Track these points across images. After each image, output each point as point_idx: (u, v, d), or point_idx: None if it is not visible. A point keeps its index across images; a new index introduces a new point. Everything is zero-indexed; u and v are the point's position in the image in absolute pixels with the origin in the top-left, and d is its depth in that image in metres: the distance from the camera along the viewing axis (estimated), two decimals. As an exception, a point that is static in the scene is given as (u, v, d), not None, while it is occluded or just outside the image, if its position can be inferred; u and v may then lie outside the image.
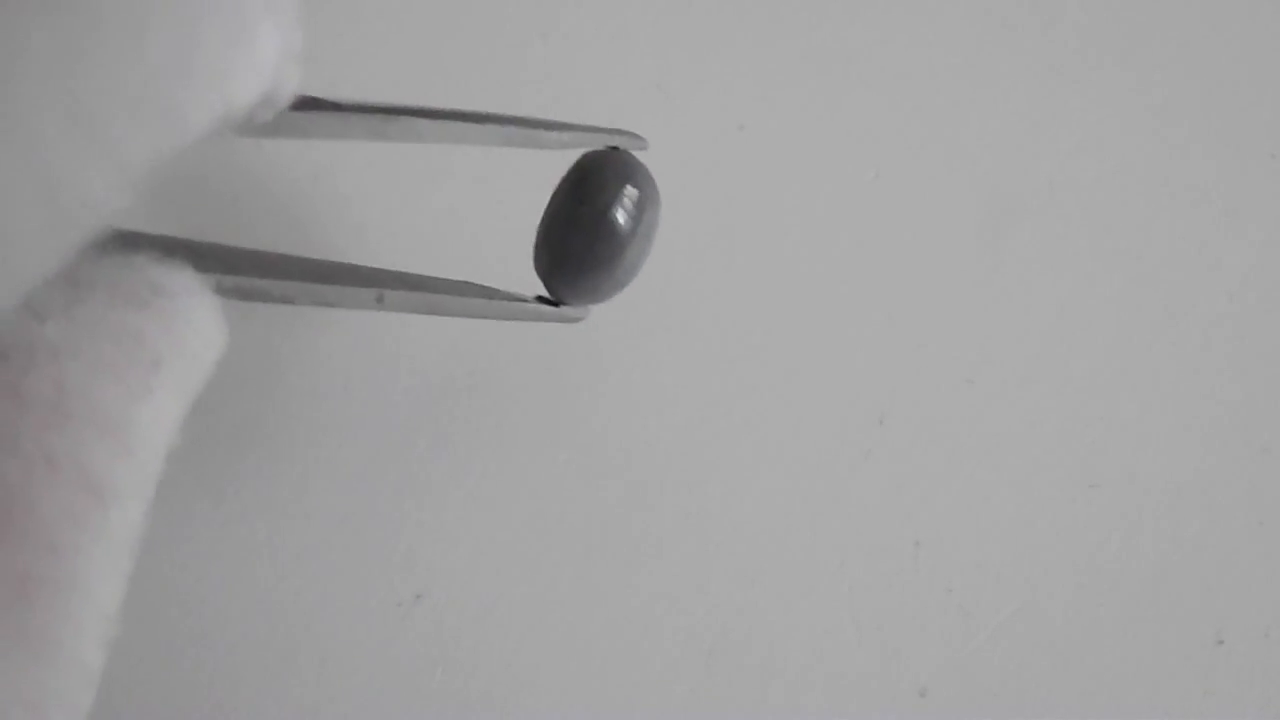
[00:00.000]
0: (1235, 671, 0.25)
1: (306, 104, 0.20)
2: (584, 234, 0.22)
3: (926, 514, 0.26)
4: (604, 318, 0.24)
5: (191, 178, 0.26)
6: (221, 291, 0.17)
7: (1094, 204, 0.28)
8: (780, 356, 0.27)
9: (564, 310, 0.23)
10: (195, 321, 0.16)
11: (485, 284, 0.23)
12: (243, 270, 0.19)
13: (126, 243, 0.16)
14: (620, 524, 0.26)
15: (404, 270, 0.23)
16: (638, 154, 0.23)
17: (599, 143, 0.23)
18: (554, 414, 0.26)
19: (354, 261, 0.23)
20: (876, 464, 0.26)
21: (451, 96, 0.28)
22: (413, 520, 0.25)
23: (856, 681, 0.25)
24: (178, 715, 0.24)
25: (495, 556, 0.25)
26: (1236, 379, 0.27)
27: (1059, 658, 0.25)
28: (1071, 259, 0.28)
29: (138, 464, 0.15)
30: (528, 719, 0.25)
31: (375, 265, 0.23)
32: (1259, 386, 0.27)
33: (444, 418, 0.26)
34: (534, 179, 0.23)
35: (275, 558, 0.25)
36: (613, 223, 0.22)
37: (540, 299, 0.23)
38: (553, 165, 0.23)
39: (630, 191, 0.23)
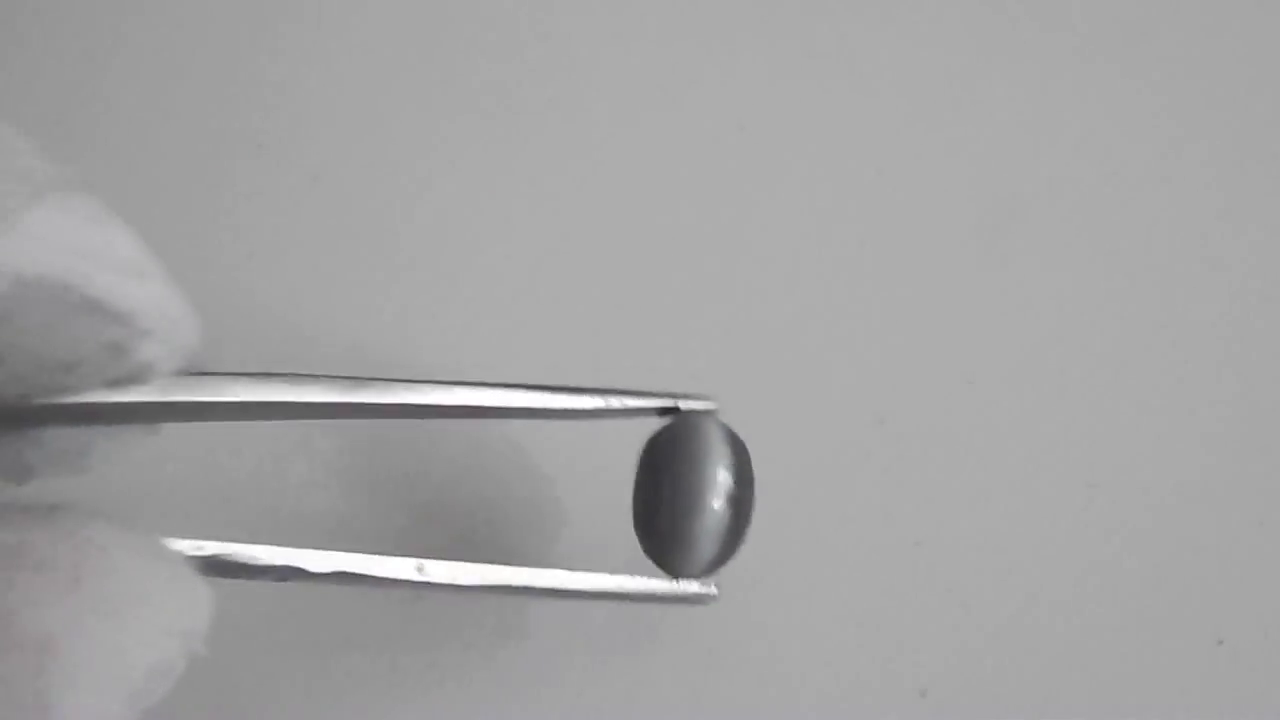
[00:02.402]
0: (1235, 672, 0.25)
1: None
2: (670, 512, 0.21)
3: (926, 514, 0.26)
4: (599, 309, 0.24)
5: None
6: (206, 567, 0.17)
7: (1094, 204, 0.28)
8: (780, 356, 0.27)
9: (686, 587, 0.22)
10: (124, 560, 0.16)
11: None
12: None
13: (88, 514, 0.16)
14: (620, 524, 0.25)
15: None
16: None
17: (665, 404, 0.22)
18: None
19: None
20: (876, 464, 0.26)
21: (452, 95, 0.28)
22: (413, 520, 0.25)
23: (856, 681, 0.25)
24: (178, 715, 0.24)
25: (495, 557, 0.25)
26: (1236, 379, 0.27)
27: (1059, 658, 0.25)
28: (1071, 259, 0.28)
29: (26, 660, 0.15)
30: (528, 719, 0.25)
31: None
32: (1259, 386, 0.27)
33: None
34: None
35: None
36: (702, 502, 0.21)
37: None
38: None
39: (716, 466, 0.21)
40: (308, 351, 0.26)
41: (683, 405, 0.22)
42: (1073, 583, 0.26)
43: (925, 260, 0.28)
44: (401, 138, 0.28)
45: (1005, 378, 0.27)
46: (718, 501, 0.21)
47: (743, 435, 0.23)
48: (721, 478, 0.21)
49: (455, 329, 0.26)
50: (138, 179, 0.27)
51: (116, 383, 0.16)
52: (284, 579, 0.18)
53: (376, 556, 0.19)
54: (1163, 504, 0.26)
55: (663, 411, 0.22)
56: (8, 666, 0.14)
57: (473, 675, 0.24)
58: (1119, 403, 0.27)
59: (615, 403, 0.21)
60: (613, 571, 0.22)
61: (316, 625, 0.24)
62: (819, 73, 0.29)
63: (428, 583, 0.20)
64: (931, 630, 0.25)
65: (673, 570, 0.22)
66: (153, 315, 0.16)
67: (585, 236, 0.27)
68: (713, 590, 0.22)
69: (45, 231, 0.15)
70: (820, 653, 0.25)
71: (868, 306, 0.27)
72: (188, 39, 0.28)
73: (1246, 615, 0.26)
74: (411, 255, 0.27)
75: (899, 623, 0.25)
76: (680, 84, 0.28)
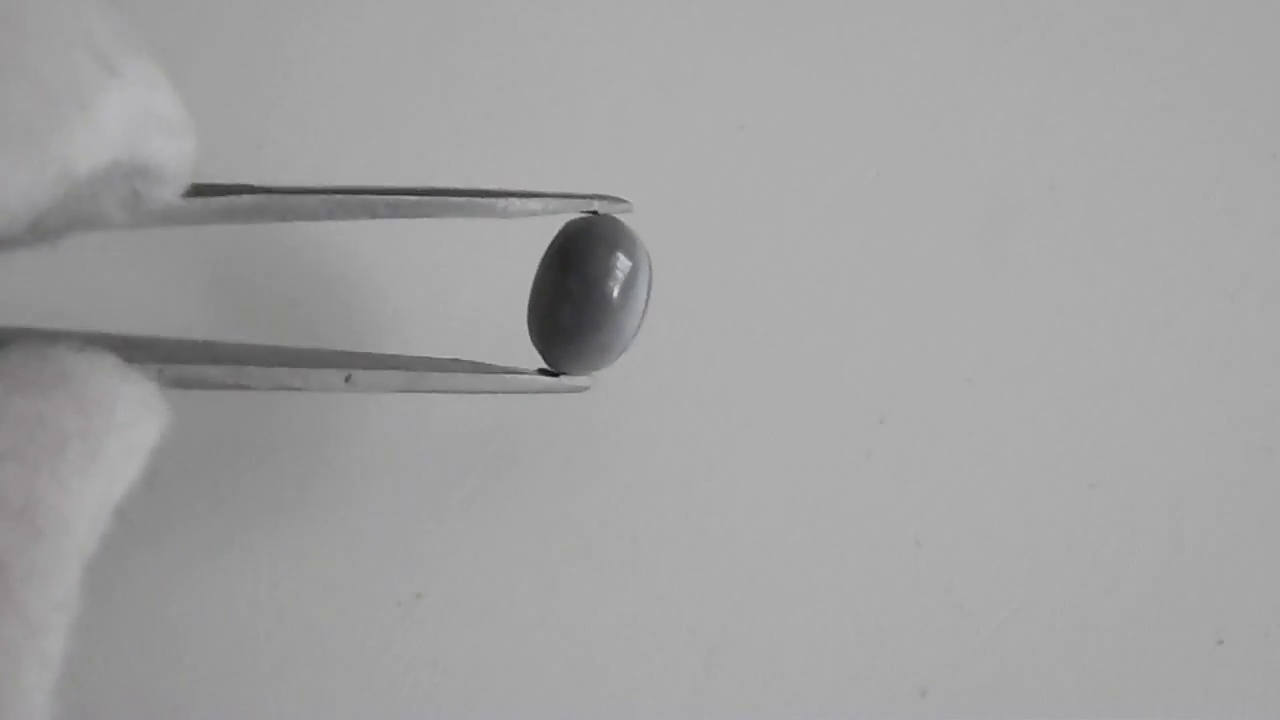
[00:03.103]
0: (1235, 672, 0.25)
1: (238, 189, 0.20)
2: (573, 304, 0.22)
3: (926, 514, 0.26)
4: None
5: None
6: (166, 381, 0.17)
7: (1094, 204, 0.28)
8: (780, 356, 0.27)
9: (565, 380, 0.23)
10: (112, 403, 0.16)
11: (479, 360, 0.22)
12: (191, 360, 0.19)
13: (46, 339, 0.16)
14: (620, 523, 0.26)
15: (382, 352, 0.22)
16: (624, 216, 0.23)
17: (579, 208, 0.23)
18: (553, 415, 0.26)
19: (330, 347, 0.23)
20: (876, 464, 0.26)
21: (452, 95, 0.28)
22: (413, 520, 0.25)
23: (856, 681, 0.25)
24: (178, 715, 0.24)
25: (495, 556, 0.25)
26: (1236, 379, 0.27)
27: (1059, 658, 0.25)
28: (1071, 259, 0.28)
29: (50, 545, 0.15)
30: (527, 719, 0.25)
31: (353, 349, 0.23)
32: (1259, 386, 0.27)
33: (444, 420, 0.26)
34: (524, 248, 0.23)
35: (275, 557, 0.25)
36: (602, 291, 0.22)
37: (542, 370, 0.23)
38: (542, 232, 0.23)
39: (616, 258, 0.22)
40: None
41: (600, 208, 0.23)
42: (1073, 583, 0.26)
43: (925, 260, 0.28)
44: (401, 137, 0.28)
45: (1005, 377, 0.27)
46: (616, 291, 0.22)
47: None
48: (621, 269, 0.22)
49: (455, 330, 0.26)
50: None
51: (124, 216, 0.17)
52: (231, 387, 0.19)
53: (310, 370, 0.20)
54: (1163, 504, 0.26)
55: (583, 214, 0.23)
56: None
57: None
58: (1119, 402, 0.27)
59: (537, 205, 0.22)
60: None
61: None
62: (819, 73, 0.29)
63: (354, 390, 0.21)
64: (931, 630, 0.25)
65: (560, 364, 0.23)
66: (178, 170, 0.16)
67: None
68: (590, 384, 0.23)
69: (116, 114, 0.15)
70: (820, 653, 0.25)
71: (867, 306, 0.27)
72: (188, 39, 0.28)
73: (1247, 615, 0.26)
74: (411, 255, 0.27)
75: (899, 623, 0.25)
76: (680, 84, 0.28)
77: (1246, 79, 0.29)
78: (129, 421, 0.16)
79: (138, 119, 0.15)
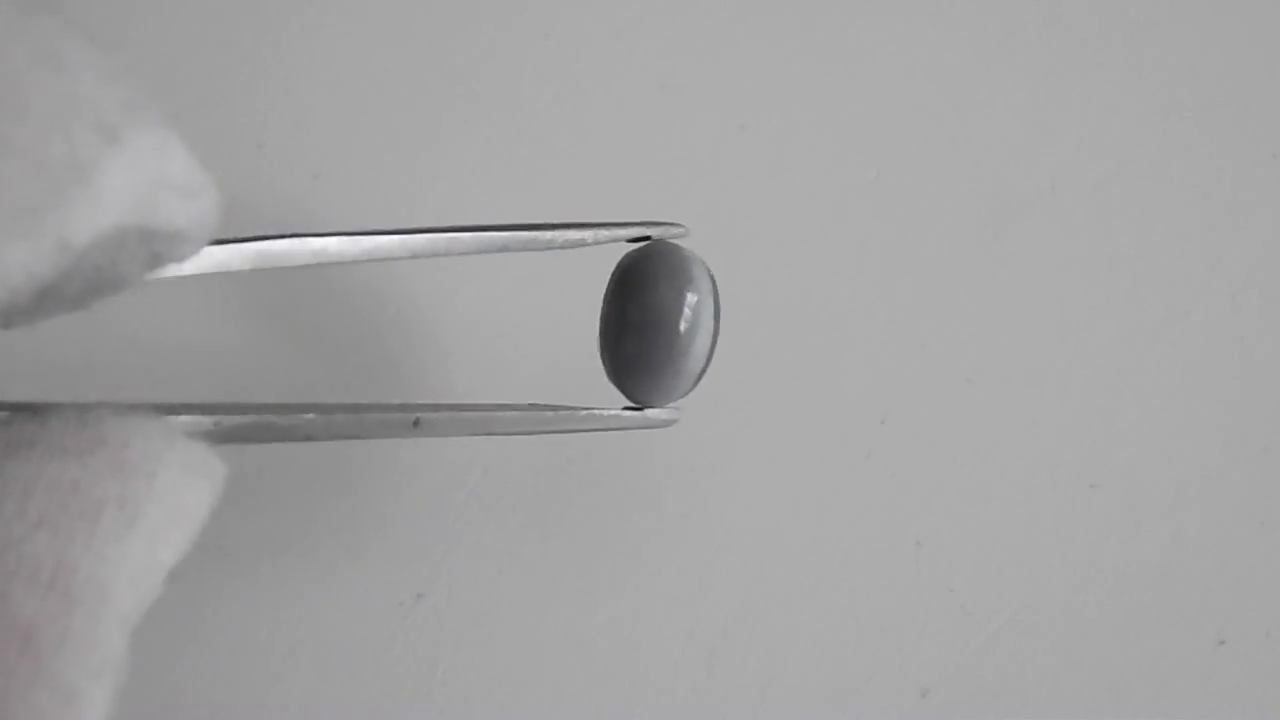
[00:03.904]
0: (1236, 672, 0.25)
1: (267, 237, 0.19)
2: (639, 337, 0.21)
3: (927, 514, 0.26)
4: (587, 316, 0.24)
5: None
6: (222, 435, 0.17)
7: (1094, 204, 0.28)
8: (780, 356, 0.27)
9: (651, 414, 0.22)
10: (153, 467, 0.16)
11: (551, 398, 0.22)
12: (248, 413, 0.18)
13: (89, 406, 0.16)
14: (620, 524, 0.25)
15: (451, 402, 0.22)
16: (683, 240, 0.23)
17: (631, 236, 0.22)
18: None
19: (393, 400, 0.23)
20: (877, 464, 0.26)
21: (453, 95, 0.28)
22: (413, 520, 0.25)
23: (856, 681, 0.25)
24: (178, 715, 0.24)
25: (495, 556, 0.25)
26: (1237, 379, 0.27)
27: (1059, 658, 0.25)
28: (1072, 259, 0.28)
29: (85, 613, 0.14)
30: (527, 719, 0.24)
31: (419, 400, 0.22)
32: (1259, 386, 0.27)
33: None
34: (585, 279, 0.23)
35: (276, 558, 0.25)
36: (668, 321, 0.21)
37: (627, 407, 0.22)
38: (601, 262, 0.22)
39: (678, 287, 0.21)
40: (309, 351, 0.26)
41: (655, 234, 0.22)
42: (1073, 583, 0.26)
43: (925, 260, 0.28)
44: (402, 137, 0.28)
45: (1005, 377, 0.27)
46: (685, 324, 0.21)
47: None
48: (690, 300, 0.21)
49: (456, 329, 0.26)
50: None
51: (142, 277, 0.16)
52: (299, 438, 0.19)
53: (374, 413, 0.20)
54: (1164, 504, 0.26)
55: (634, 241, 0.22)
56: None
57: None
58: (1120, 402, 0.27)
59: (589, 236, 0.22)
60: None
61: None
62: (819, 73, 0.29)
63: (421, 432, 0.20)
64: (931, 630, 0.25)
65: (639, 396, 0.22)
66: (198, 230, 0.16)
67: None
68: (676, 416, 0.23)
69: (120, 181, 0.15)
70: (820, 653, 0.25)
71: (867, 306, 0.27)
72: (188, 39, 0.28)
73: (1247, 615, 0.26)
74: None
75: (899, 623, 0.25)
76: (680, 84, 0.28)
77: (1246, 79, 0.29)
78: (173, 485, 0.16)
79: (145, 185, 0.15)
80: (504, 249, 0.21)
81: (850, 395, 0.26)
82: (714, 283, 0.22)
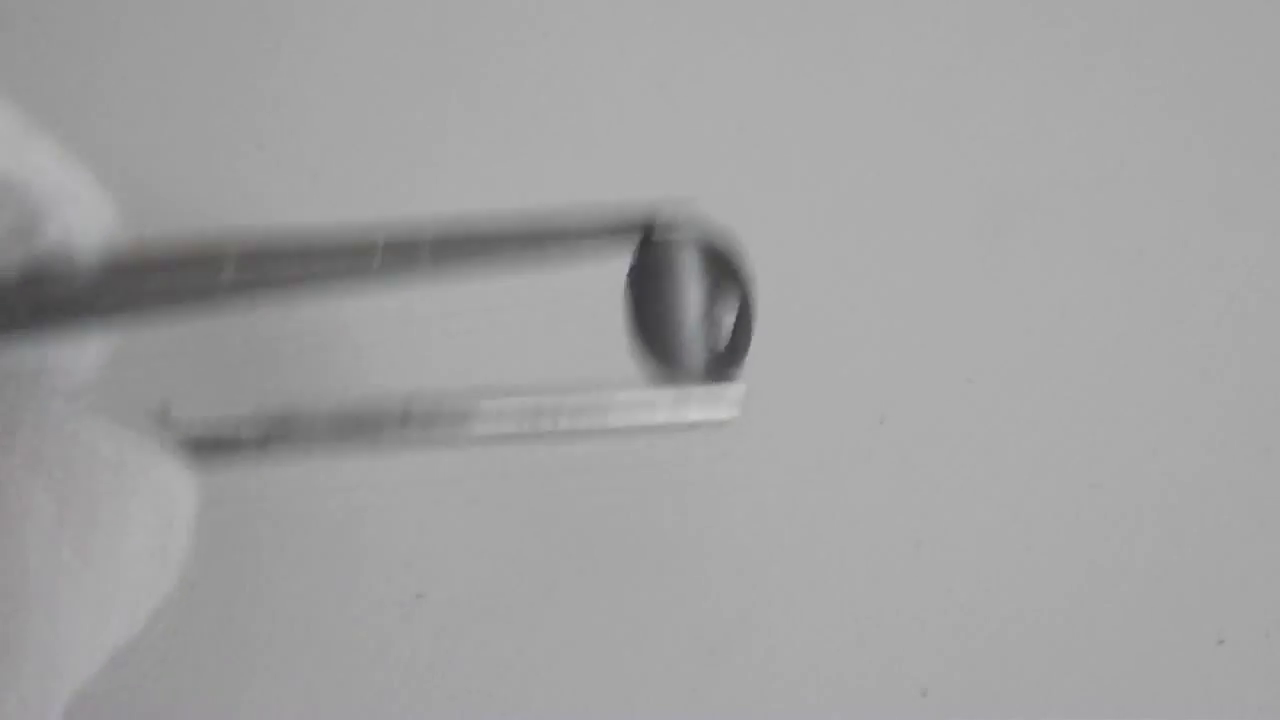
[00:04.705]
0: (1236, 672, 0.25)
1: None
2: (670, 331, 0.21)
3: (927, 514, 0.26)
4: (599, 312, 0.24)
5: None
6: (217, 440, 0.17)
7: (1094, 204, 0.28)
8: (781, 356, 0.27)
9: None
10: (137, 482, 0.16)
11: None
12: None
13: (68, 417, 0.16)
14: (619, 524, 0.25)
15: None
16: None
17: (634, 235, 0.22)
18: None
19: None
20: (877, 464, 0.26)
21: (453, 95, 0.28)
22: (413, 521, 0.25)
23: (857, 681, 0.25)
24: (178, 715, 0.24)
25: (495, 556, 0.25)
26: (1236, 379, 0.27)
27: (1059, 658, 0.25)
28: (1071, 259, 0.28)
29: (34, 617, 0.15)
30: (528, 719, 0.25)
31: None
32: (1259, 386, 0.27)
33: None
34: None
35: (277, 558, 0.25)
36: (687, 314, 0.21)
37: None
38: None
39: (687, 281, 0.22)
40: (308, 352, 0.26)
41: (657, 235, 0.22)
42: (1073, 583, 0.26)
43: (925, 260, 0.28)
44: (402, 137, 0.28)
45: (1005, 377, 0.27)
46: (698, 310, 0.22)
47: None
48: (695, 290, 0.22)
49: (456, 327, 0.26)
50: (138, 179, 0.27)
51: (34, 270, 0.16)
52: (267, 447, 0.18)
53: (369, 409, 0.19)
54: (1164, 504, 0.26)
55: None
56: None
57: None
58: (1120, 402, 0.27)
59: (589, 246, 0.21)
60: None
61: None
62: (819, 73, 0.29)
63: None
64: (931, 630, 0.25)
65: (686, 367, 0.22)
66: (48, 193, 0.16)
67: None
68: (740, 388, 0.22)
69: None
70: (820, 653, 0.25)
71: (868, 306, 0.27)
72: (188, 39, 0.28)
73: (1247, 615, 0.26)
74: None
75: (899, 623, 0.25)
76: (680, 84, 0.28)
77: (1246, 79, 0.29)
78: (150, 500, 0.16)
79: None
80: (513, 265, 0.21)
81: (851, 395, 0.26)
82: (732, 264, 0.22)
